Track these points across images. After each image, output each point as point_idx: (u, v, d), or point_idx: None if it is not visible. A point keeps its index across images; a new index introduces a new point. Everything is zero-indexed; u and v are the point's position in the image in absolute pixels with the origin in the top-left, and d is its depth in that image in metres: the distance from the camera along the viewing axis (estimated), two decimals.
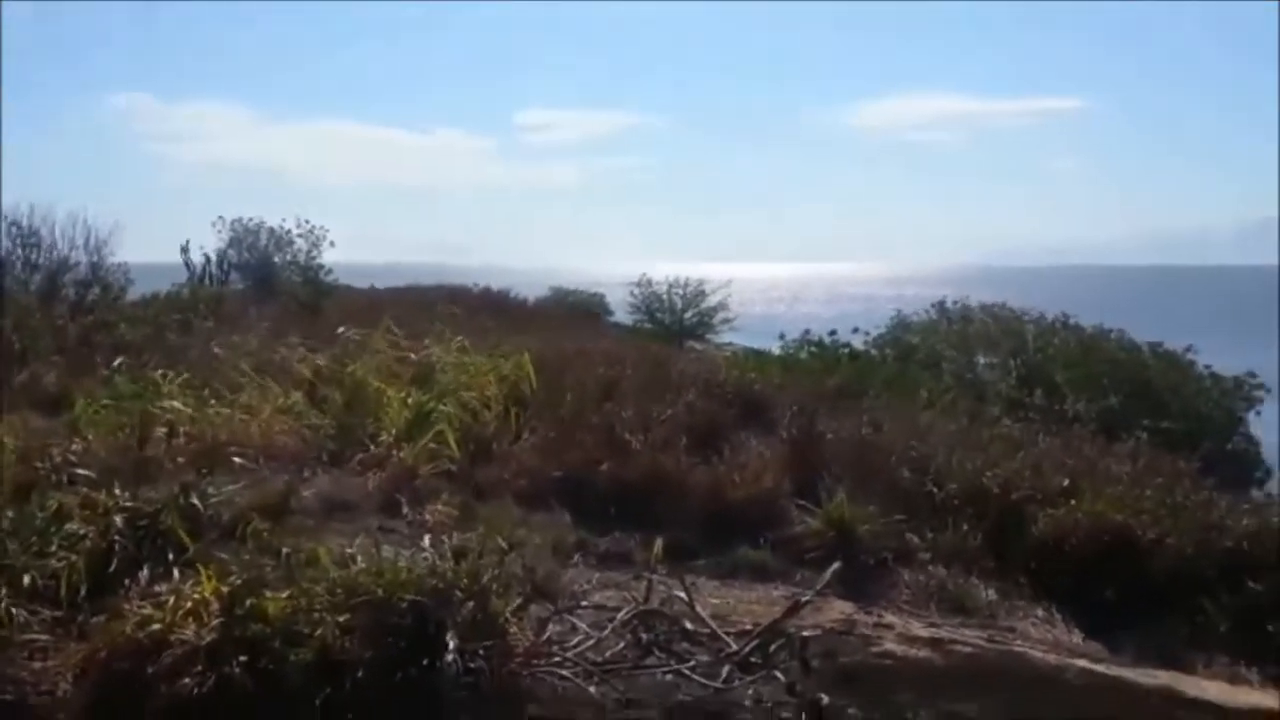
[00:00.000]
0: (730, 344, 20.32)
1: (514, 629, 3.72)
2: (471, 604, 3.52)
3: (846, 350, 14.07)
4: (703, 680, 3.93)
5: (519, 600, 3.94)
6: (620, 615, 4.24)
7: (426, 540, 4.26)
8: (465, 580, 3.60)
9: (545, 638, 3.92)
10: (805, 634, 4.25)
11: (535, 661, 3.69)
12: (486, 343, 9.63)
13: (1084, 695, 4.27)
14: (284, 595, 3.61)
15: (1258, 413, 12.03)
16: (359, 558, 3.74)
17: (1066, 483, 6.09)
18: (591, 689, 3.78)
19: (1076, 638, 5.13)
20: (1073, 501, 5.74)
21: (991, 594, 5.44)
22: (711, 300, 23.54)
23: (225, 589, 3.61)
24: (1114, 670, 4.48)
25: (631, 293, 24.16)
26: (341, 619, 3.45)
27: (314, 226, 21.80)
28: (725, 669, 4.01)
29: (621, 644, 4.12)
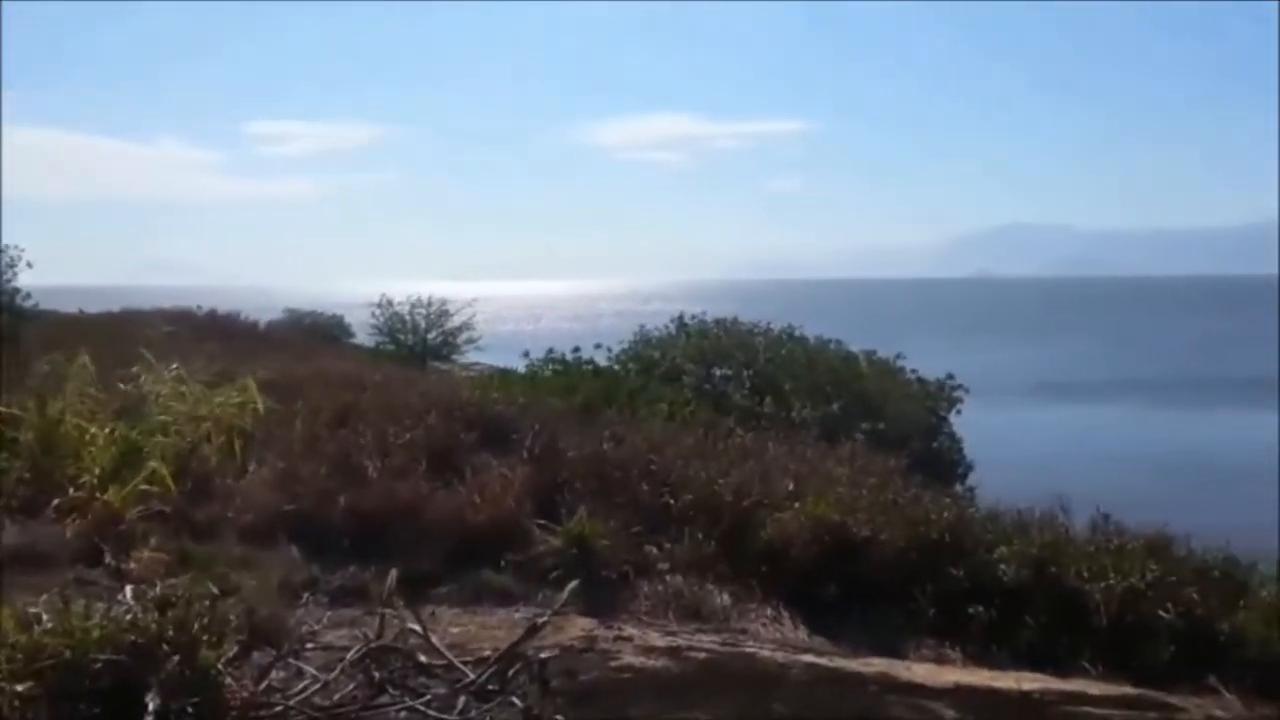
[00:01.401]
0: (476, 364, 20.14)
1: (230, 680, 3.45)
2: (178, 657, 3.24)
3: (590, 366, 14.29)
4: (438, 714, 3.81)
5: (236, 648, 3.68)
6: (351, 654, 4.05)
7: (128, 591, 3.89)
8: (171, 631, 3.31)
9: (266, 685, 3.67)
10: (544, 655, 4.23)
11: (254, 713, 3.45)
12: (211, 370, 9.03)
13: (809, 688, 4.50)
14: None
15: (958, 412, 13.23)
16: (44, 616, 3.35)
17: (792, 487, 6.41)
18: None
19: (803, 634, 5.40)
20: (797, 505, 6.05)
21: (726, 599, 5.63)
22: (456, 320, 23.28)
23: None
24: (836, 662, 4.75)
25: (372, 314, 23.47)
26: (22, 688, 3.08)
27: (6, 246, 19.73)
28: (462, 700, 3.91)
29: (352, 684, 3.93)
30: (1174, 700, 4.52)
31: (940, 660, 5.17)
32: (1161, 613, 5.51)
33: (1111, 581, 5.57)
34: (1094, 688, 4.53)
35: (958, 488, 11.92)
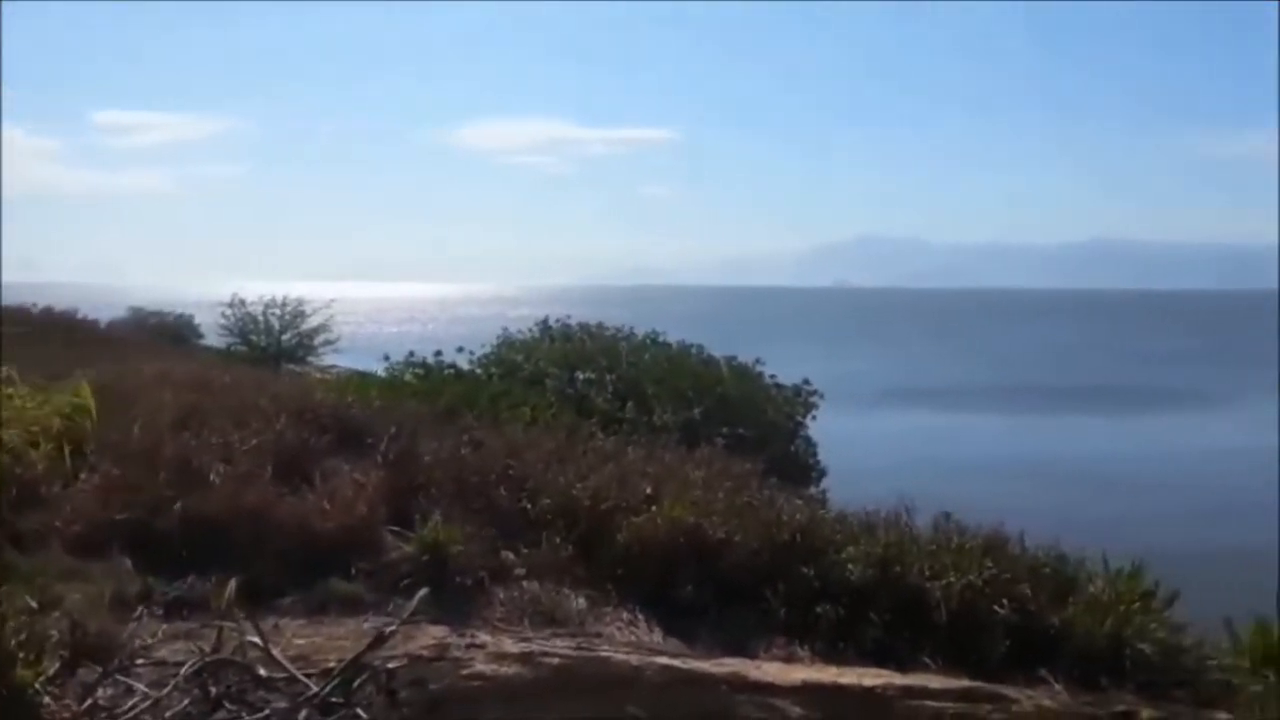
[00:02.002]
0: (334, 367, 19.60)
1: (50, 699, 3.25)
2: None
3: (452, 370, 14.09)
4: None
5: (58, 665, 3.46)
6: (185, 669, 3.87)
7: None
8: None
9: (90, 704, 3.47)
10: (391, 665, 4.13)
11: None
12: (44, 371, 8.49)
13: (662, 690, 4.54)
14: None
15: (814, 417, 13.59)
16: None
17: (650, 490, 6.45)
18: None
19: (657, 636, 5.44)
20: (654, 508, 6.09)
21: (582, 603, 5.64)
22: (313, 321, 22.60)
23: None
24: (689, 663, 4.81)
25: (223, 314, 22.56)
26: None
27: None
28: (304, 713, 3.79)
29: (186, 701, 3.76)
30: (1007, 691, 4.73)
31: (790, 659, 5.29)
32: (997, 608, 5.76)
33: (951, 579, 5.81)
34: (933, 681, 4.71)
35: (812, 490, 12.24)
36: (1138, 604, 6.94)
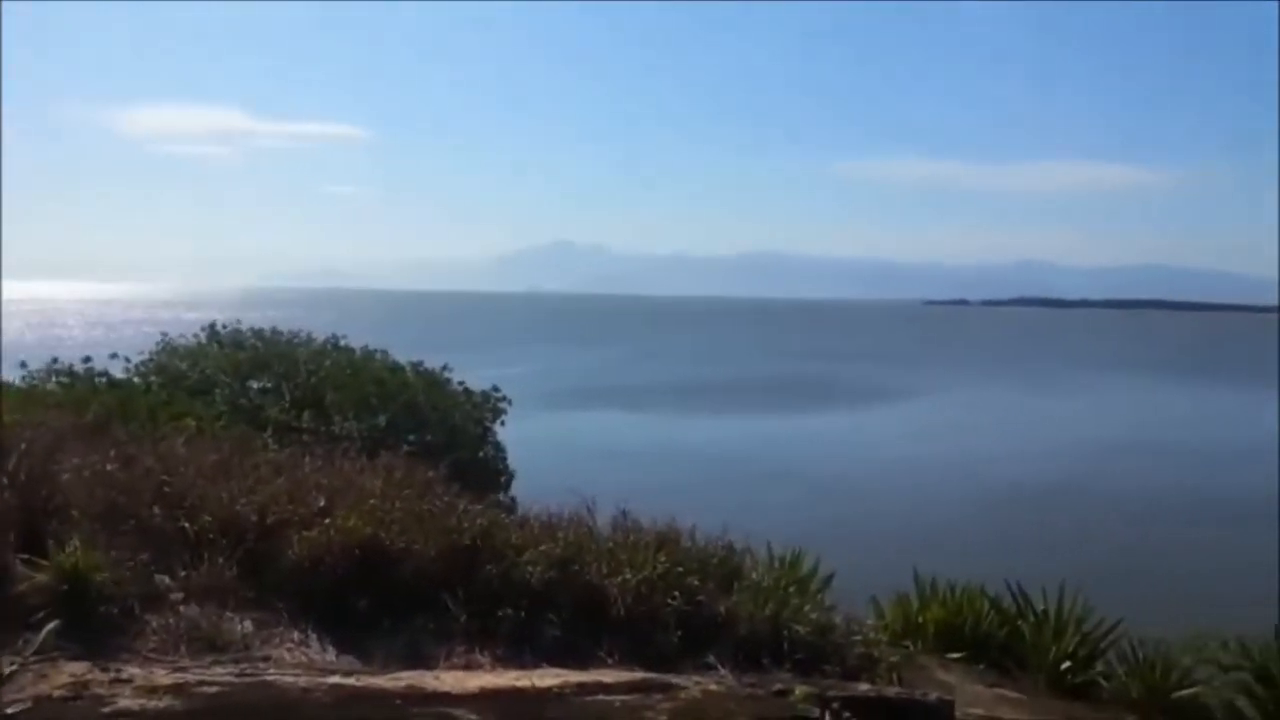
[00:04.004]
0: None
1: None
2: None
3: (105, 379, 12.80)
4: None
5: None
6: None
7: None
8: None
9: None
10: (12, 710, 3.66)
11: None
12: None
13: (333, 710, 4.33)
14: None
15: (502, 423, 13.62)
16: None
17: (324, 502, 6.17)
18: None
19: (330, 655, 5.21)
20: (328, 520, 5.84)
21: (248, 626, 5.29)
22: None
23: None
24: (363, 680, 4.62)
25: None
26: None
27: None
28: None
29: None
30: (677, 680, 4.93)
31: (470, 666, 5.25)
32: (670, 600, 6.04)
33: (628, 575, 6.01)
34: (609, 676, 4.83)
35: (501, 495, 12.28)
36: (794, 588, 7.54)
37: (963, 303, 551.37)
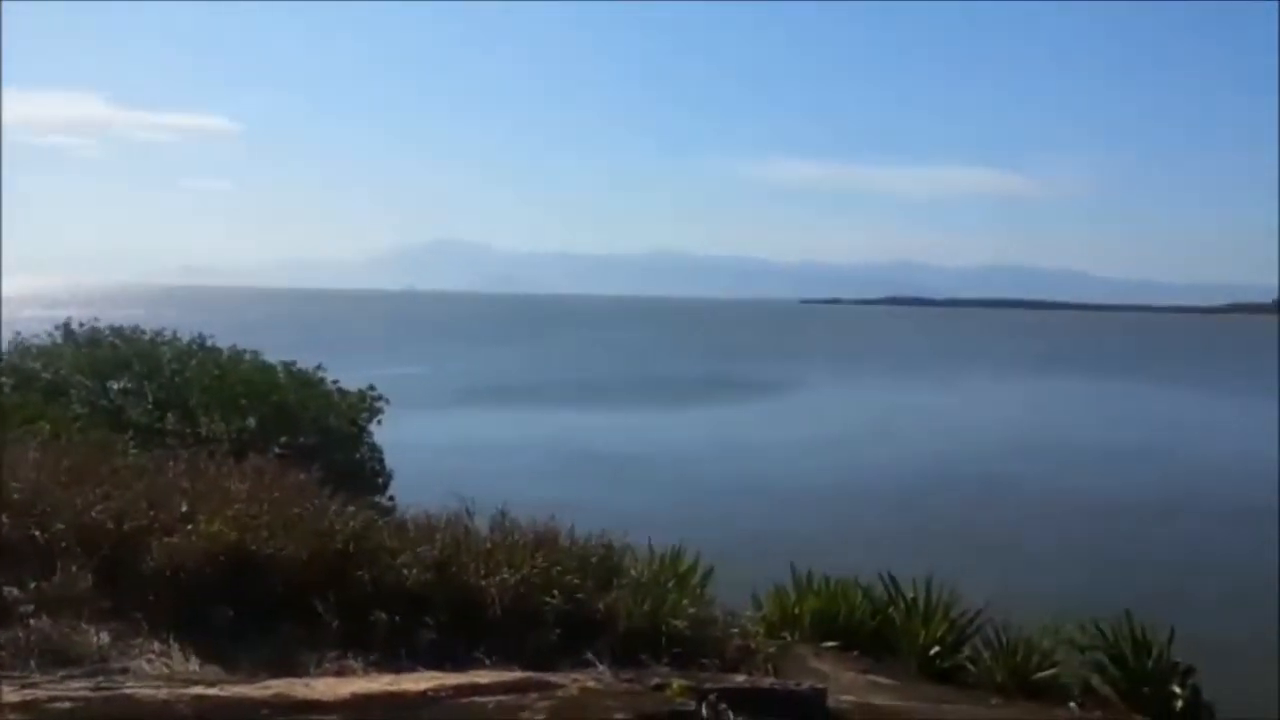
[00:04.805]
0: None
1: None
2: None
3: None
4: None
5: None
6: None
7: None
8: None
9: None
10: None
11: None
12: None
13: None
14: None
15: (379, 423, 13.33)
16: None
17: (187, 507, 5.94)
18: None
19: (194, 664, 5.02)
20: (191, 526, 5.61)
21: (105, 637, 5.05)
22: None
23: None
24: (228, 690, 4.46)
25: None
26: None
27: None
28: None
29: None
30: (554, 678, 4.90)
31: (343, 672, 5.12)
32: (548, 600, 6.02)
33: (506, 575, 5.96)
34: (485, 677, 4.76)
35: (379, 497, 12.01)
36: (674, 584, 7.61)
37: (836, 301, 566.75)
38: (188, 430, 10.71)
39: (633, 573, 7.13)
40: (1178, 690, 8.12)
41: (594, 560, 6.81)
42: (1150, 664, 8.19)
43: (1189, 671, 8.27)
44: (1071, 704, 7.98)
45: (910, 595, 9.03)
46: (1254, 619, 17.14)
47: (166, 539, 5.49)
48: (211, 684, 4.55)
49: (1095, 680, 8.28)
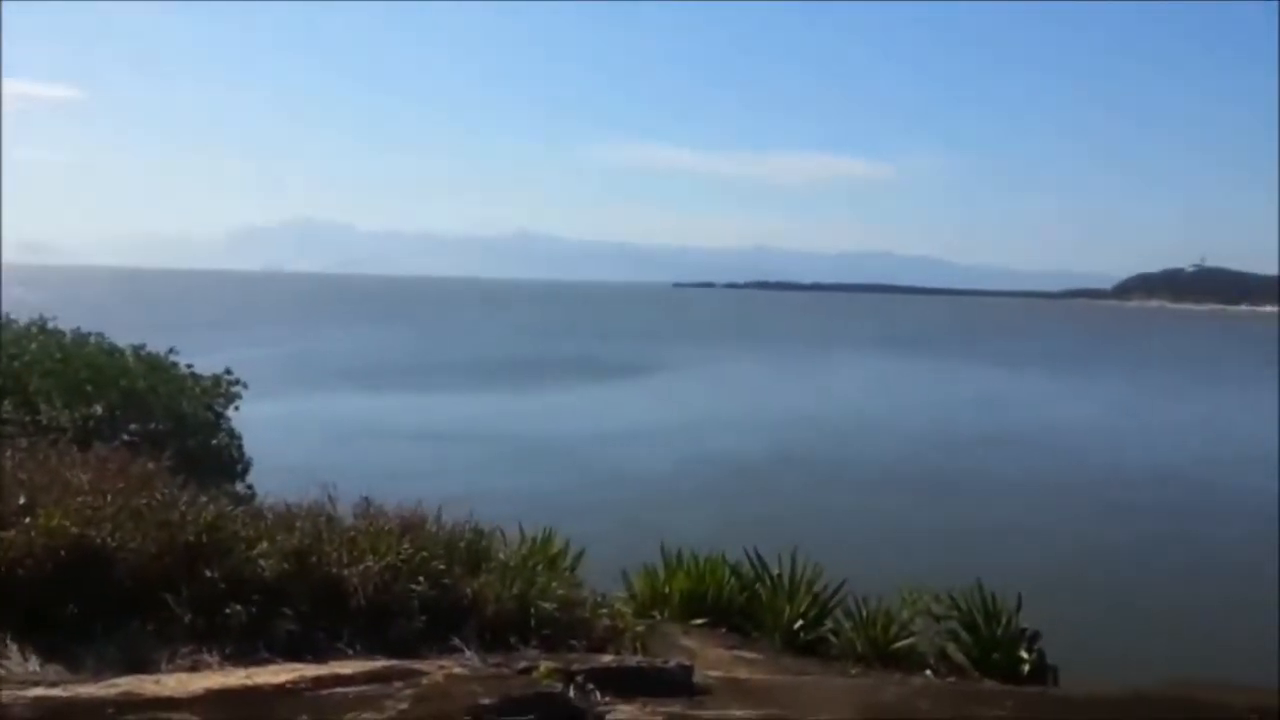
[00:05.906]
0: None
1: None
2: None
3: None
4: None
5: None
6: None
7: None
8: None
9: None
10: None
11: None
12: None
13: None
14: None
15: (236, 408, 12.82)
16: None
17: (25, 500, 5.59)
18: None
19: (33, 665, 4.75)
20: (29, 519, 5.29)
21: None
22: None
23: None
24: (71, 690, 4.24)
25: None
26: None
27: None
28: None
29: None
30: (419, 665, 4.84)
31: (196, 667, 4.93)
32: (414, 586, 5.92)
33: (370, 563, 5.83)
34: (347, 667, 4.66)
35: (238, 485, 11.57)
36: (543, 566, 7.59)
37: (709, 285, 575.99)
38: (27, 418, 10.07)
39: (501, 556, 7.08)
40: (1025, 655, 8.56)
41: (462, 545, 6.72)
42: (999, 631, 8.62)
43: (1035, 636, 8.74)
44: (927, 671, 8.33)
45: (776, 572, 9.25)
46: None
47: (2, 534, 5.16)
48: (53, 684, 4.33)
49: (950, 648, 8.66)
